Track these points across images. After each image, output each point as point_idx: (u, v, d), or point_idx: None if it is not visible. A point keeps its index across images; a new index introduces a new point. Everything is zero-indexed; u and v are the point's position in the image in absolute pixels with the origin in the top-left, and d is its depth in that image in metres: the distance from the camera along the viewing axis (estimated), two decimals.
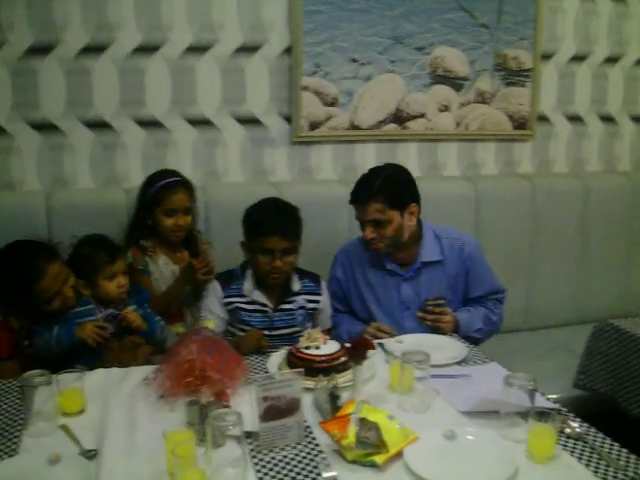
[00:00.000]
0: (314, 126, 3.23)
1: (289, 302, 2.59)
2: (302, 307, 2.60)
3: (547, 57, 3.56)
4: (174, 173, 2.77)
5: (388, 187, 2.55)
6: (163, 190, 2.68)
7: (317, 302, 2.65)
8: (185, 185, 2.74)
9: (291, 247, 2.50)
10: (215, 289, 2.58)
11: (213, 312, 2.55)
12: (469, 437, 1.66)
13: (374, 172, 2.64)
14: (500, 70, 3.46)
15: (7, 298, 2.26)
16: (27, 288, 2.21)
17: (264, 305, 2.56)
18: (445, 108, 3.43)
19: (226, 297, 2.56)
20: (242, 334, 2.51)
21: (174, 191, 2.69)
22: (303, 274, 2.67)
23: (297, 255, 2.57)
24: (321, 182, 3.30)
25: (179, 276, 2.71)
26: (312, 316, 2.65)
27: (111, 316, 2.36)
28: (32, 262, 2.24)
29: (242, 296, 2.56)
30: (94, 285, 2.37)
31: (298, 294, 2.61)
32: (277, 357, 2.14)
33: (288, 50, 3.14)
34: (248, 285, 2.56)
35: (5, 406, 1.87)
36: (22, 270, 2.23)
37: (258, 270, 2.54)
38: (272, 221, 2.48)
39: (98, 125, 2.99)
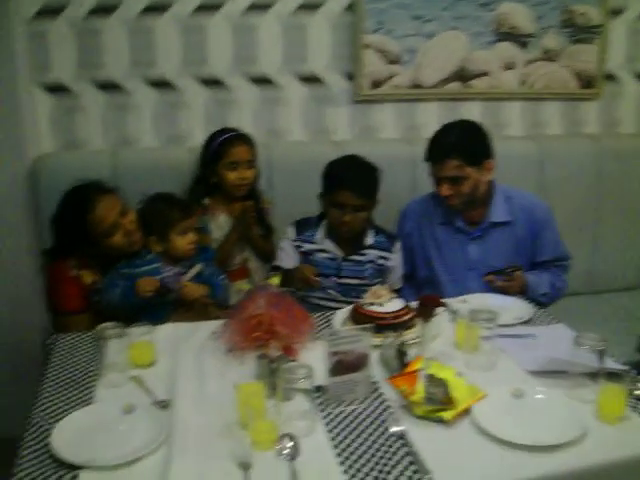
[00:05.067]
0: (376, 85, 3.19)
1: (360, 254, 2.63)
2: (372, 261, 2.64)
3: (616, 13, 3.43)
4: (234, 129, 2.80)
5: (465, 144, 2.53)
6: (225, 144, 2.72)
7: (386, 259, 2.67)
8: (245, 139, 2.77)
9: (362, 205, 2.53)
10: (288, 231, 2.68)
11: (286, 251, 2.65)
12: (537, 396, 1.66)
13: (450, 128, 2.60)
14: (567, 27, 3.36)
15: (76, 245, 2.35)
16: (82, 220, 2.29)
17: (334, 254, 2.62)
18: (509, 66, 3.34)
19: (295, 241, 2.65)
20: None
21: (235, 144, 2.72)
22: (380, 231, 2.71)
23: (369, 213, 2.60)
24: (383, 141, 3.27)
25: (233, 224, 2.74)
26: (381, 273, 2.67)
27: (177, 274, 2.39)
28: (83, 195, 2.34)
29: (313, 243, 2.64)
30: (166, 241, 2.39)
31: (370, 248, 2.65)
32: (342, 314, 2.16)
33: (350, 7, 3.09)
34: (321, 234, 2.64)
35: (78, 359, 1.93)
36: (75, 204, 2.34)
37: (330, 222, 2.60)
38: (346, 177, 2.52)
39: (161, 84, 3.01)
